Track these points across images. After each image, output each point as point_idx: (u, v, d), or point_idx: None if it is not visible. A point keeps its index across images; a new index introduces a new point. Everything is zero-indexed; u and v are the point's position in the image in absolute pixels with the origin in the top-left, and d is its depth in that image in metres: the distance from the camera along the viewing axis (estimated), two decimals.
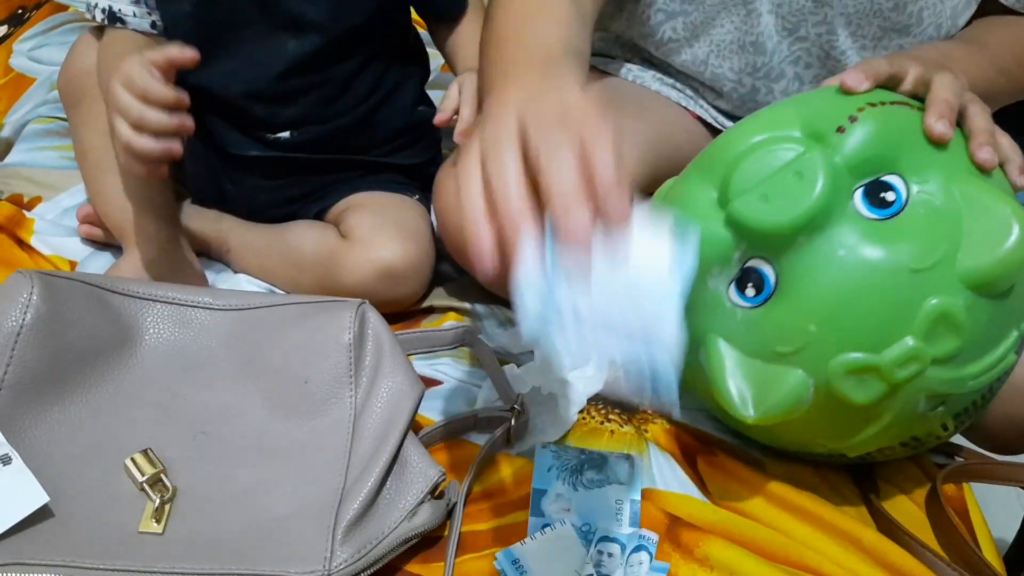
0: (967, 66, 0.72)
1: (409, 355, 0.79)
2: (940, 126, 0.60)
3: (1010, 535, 0.96)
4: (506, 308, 0.86)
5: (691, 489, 0.69)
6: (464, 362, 0.81)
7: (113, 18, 0.82)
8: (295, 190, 0.89)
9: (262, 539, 0.59)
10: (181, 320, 0.70)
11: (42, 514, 0.57)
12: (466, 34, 0.89)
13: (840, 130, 0.59)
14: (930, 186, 0.59)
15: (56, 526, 0.57)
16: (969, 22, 0.82)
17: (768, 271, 0.60)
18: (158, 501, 0.59)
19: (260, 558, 0.57)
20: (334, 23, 0.81)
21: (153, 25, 0.82)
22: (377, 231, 0.82)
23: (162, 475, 0.61)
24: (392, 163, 0.90)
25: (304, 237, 0.86)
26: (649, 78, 0.90)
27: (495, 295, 0.86)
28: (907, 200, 0.59)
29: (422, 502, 0.61)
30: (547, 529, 0.64)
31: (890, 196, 0.59)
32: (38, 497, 0.56)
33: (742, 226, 0.60)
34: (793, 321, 0.59)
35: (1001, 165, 0.64)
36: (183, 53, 0.70)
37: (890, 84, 0.65)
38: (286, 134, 0.85)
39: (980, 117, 0.63)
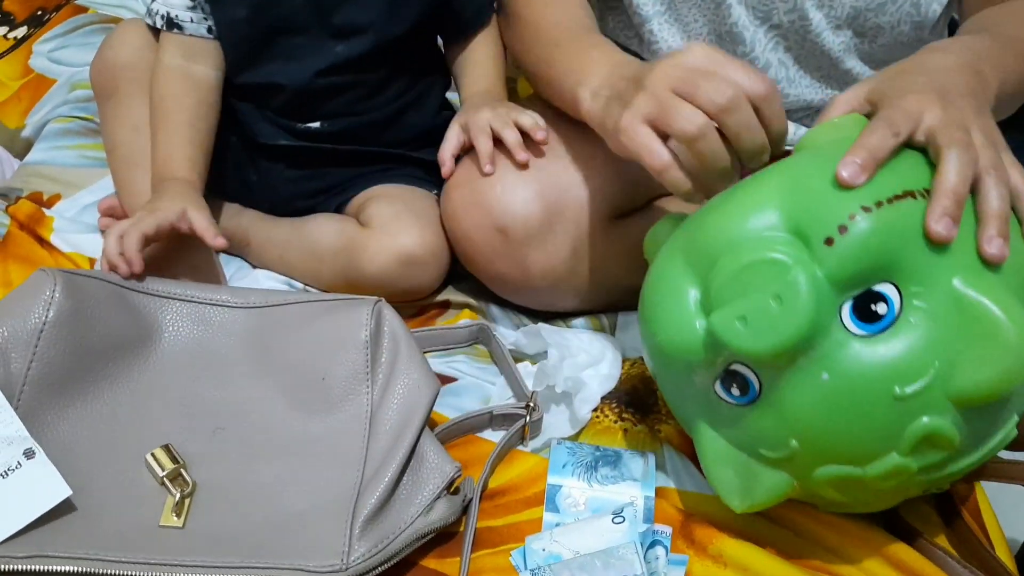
0: (1001, 62, 0.67)
1: (424, 352, 0.80)
2: (941, 228, 0.54)
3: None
4: (519, 311, 0.87)
5: (705, 488, 0.69)
6: (479, 360, 0.82)
7: (171, 24, 0.84)
8: (319, 182, 0.90)
9: (281, 533, 0.60)
10: (200, 318, 0.71)
11: (64, 507, 0.58)
12: (478, 53, 0.90)
13: (829, 242, 0.54)
14: (927, 293, 0.54)
15: (78, 519, 0.58)
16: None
17: (752, 377, 0.58)
18: (178, 496, 0.60)
19: (279, 552, 0.58)
20: (382, 32, 0.83)
21: (209, 30, 0.84)
22: (396, 219, 0.83)
23: (182, 470, 0.62)
24: (415, 157, 0.91)
25: (324, 228, 0.87)
26: None
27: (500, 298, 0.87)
28: (900, 311, 0.54)
29: (438, 497, 0.62)
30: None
31: (882, 308, 0.55)
32: (61, 491, 0.57)
33: (726, 346, 0.56)
34: (776, 432, 0.57)
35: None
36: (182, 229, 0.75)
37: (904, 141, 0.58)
38: (316, 124, 0.87)
39: (994, 195, 0.56)
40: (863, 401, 0.54)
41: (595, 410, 0.76)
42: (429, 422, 0.68)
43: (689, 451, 0.72)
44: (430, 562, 0.63)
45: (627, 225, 0.82)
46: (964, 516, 0.67)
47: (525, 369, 0.79)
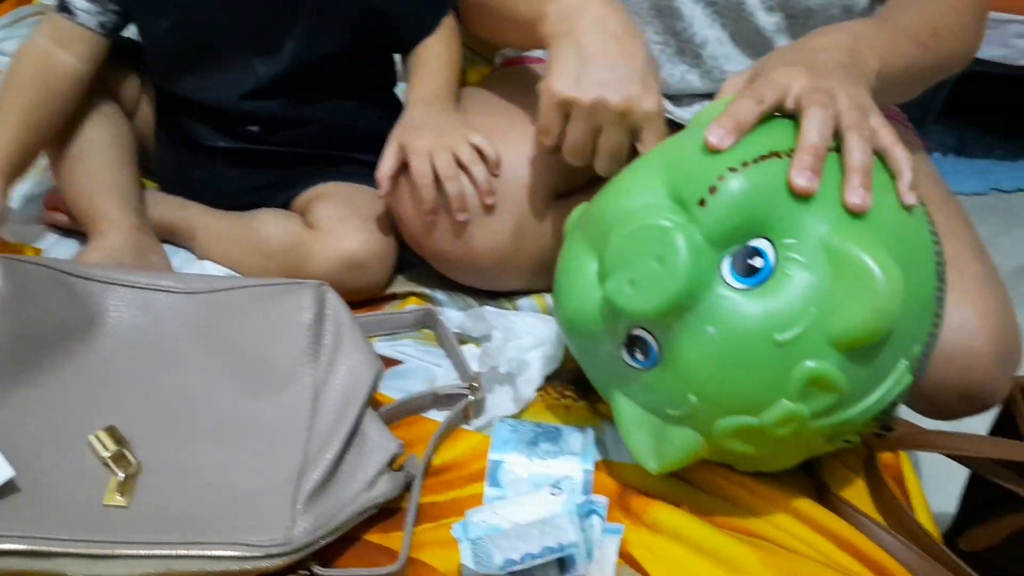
0: (882, 43, 0.71)
1: (370, 337, 0.81)
2: (802, 180, 0.58)
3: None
4: (464, 294, 0.88)
5: None
6: (425, 343, 0.83)
7: (63, 7, 0.83)
8: (262, 178, 0.91)
9: (225, 511, 0.61)
10: (144, 303, 0.71)
11: (8, 488, 0.58)
12: (427, 54, 0.88)
13: (701, 203, 0.58)
14: (799, 245, 0.58)
15: (22, 500, 0.59)
16: None
17: (651, 341, 0.61)
18: (122, 476, 0.61)
19: (224, 529, 0.59)
20: (301, 54, 0.84)
21: (101, 26, 0.83)
22: (342, 222, 0.84)
23: (125, 451, 0.63)
24: (358, 158, 0.92)
25: (271, 226, 0.87)
26: None
27: (454, 282, 0.88)
28: (776, 264, 0.58)
29: (381, 474, 0.64)
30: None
31: (758, 262, 0.58)
32: (3, 471, 0.58)
33: (616, 310, 0.60)
34: (676, 390, 0.60)
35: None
36: None
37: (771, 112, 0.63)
38: (255, 128, 0.87)
39: (857, 151, 0.60)
40: (747, 350, 0.57)
41: (538, 389, 0.78)
42: (373, 403, 0.70)
43: None
44: (374, 536, 0.64)
45: (569, 204, 0.83)
46: (888, 482, 0.70)
47: (470, 351, 0.81)
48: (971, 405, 0.79)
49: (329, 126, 0.89)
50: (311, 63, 0.85)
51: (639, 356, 0.62)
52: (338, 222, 0.84)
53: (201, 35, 0.83)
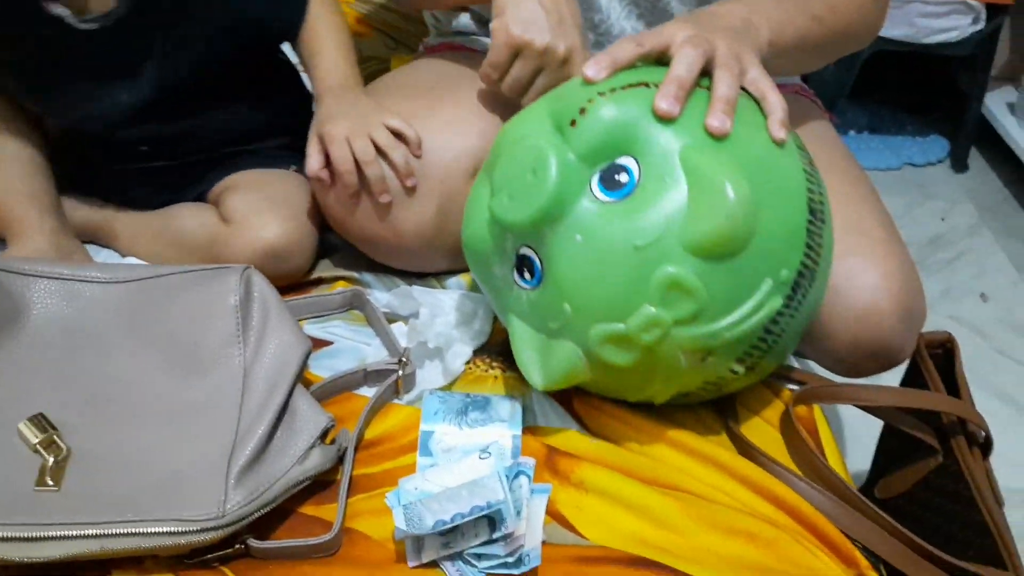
0: (775, 15, 0.76)
1: (300, 320, 0.82)
2: (663, 104, 0.63)
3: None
4: (392, 275, 0.90)
5: (570, 423, 0.74)
6: (354, 323, 0.85)
7: None
8: (168, 184, 0.91)
9: (159, 491, 0.62)
10: (69, 294, 0.71)
11: None
12: (319, 44, 0.87)
13: (573, 123, 0.64)
14: (661, 163, 0.63)
15: None
16: None
17: (535, 258, 0.66)
18: (52, 461, 0.61)
19: (157, 508, 0.60)
20: (168, 75, 0.82)
21: None
22: (256, 212, 0.84)
23: (56, 437, 0.63)
24: (264, 145, 0.92)
25: (188, 222, 0.87)
26: None
27: (381, 264, 0.89)
28: (639, 180, 0.63)
29: (312, 447, 0.65)
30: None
31: (623, 178, 0.63)
32: None
33: (499, 222, 0.66)
34: (555, 301, 0.65)
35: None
36: None
37: (650, 59, 0.68)
38: (144, 147, 0.87)
39: (723, 84, 0.65)
40: (610, 255, 0.62)
41: (467, 362, 0.80)
42: (305, 382, 0.71)
43: (554, 393, 0.77)
44: (308, 509, 0.66)
45: None
46: (802, 433, 0.73)
47: (399, 329, 0.82)
48: (880, 363, 0.83)
49: (223, 130, 0.89)
50: (178, 83, 0.83)
51: (527, 276, 0.67)
52: (252, 213, 0.84)
53: (56, 58, 0.80)
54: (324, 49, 0.87)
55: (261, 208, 0.84)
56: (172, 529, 0.59)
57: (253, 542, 0.62)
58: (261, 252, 0.82)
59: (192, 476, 0.62)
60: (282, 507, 0.64)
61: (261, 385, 0.67)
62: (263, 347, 0.69)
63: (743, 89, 0.69)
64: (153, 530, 0.58)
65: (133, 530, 0.58)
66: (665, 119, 0.63)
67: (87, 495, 0.61)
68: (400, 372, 0.75)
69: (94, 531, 0.58)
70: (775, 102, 0.67)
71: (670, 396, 0.70)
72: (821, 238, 0.68)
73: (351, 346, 0.82)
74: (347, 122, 0.81)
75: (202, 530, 0.59)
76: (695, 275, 0.61)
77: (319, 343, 0.81)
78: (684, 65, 0.65)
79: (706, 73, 0.67)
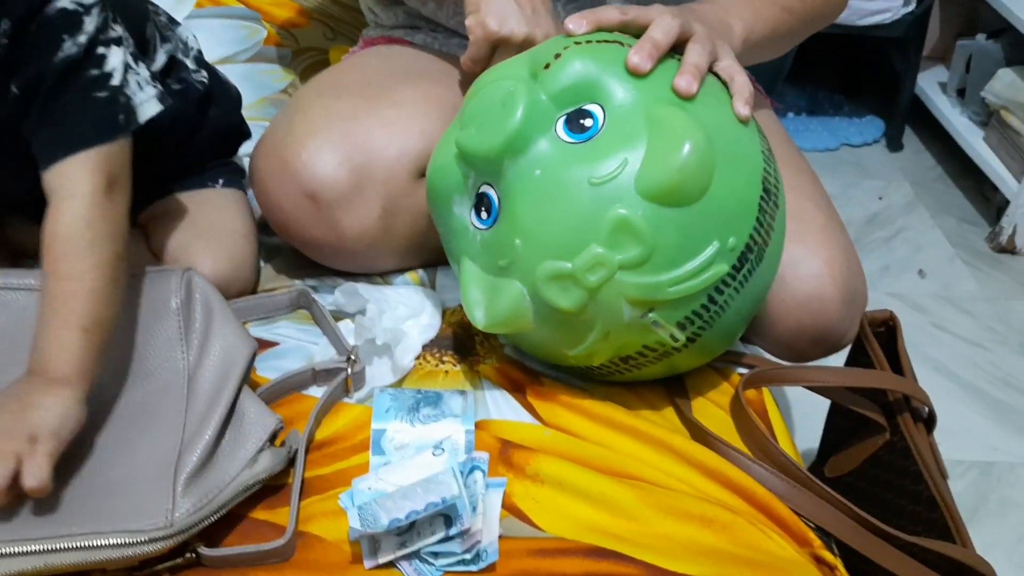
0: (747, 14, 0.78)
1: (245, 322, 0.80)
2: (635, 58, 0.66)
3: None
4: (336, 277, 0.88)
5: (523, 415, 0.74)
6: (301, 323, 0.83)
7: None
8: None
9: (104, 500, 0.60)
10: (1, 304, 0.69)
11: None
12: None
13: (546, 67, 0.66)
14: (625, 112, 0.65)
15: None
16: None
17: (494, 195, 0.68)
18: None
19: (102, 518, 0.58)
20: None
21: None
22: (185, 252, 0.80)
23: None
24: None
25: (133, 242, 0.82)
26: (454, 45, 0.93)
27: (321, 266, 0.87)
28: (603, 126, 0.65)
29: (261, 450, 0.64)
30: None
31: (588, 122, 0.65)
32: None
33: (463, 153, 0.68)
34: (507, 237, 0.66)
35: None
36: None
37: (632, 31, 0.70)
38: (31, 208, 0.74)
39: (695, 52, 0.68)
40: (565, 190, 0.64)
41: (417, 358, 0.79)
42: (251, 384, 0.70)
43: (507, 385, 0.77)
44: (260, 514, 0.64)
45: None
46: (752, 416, 0.74)
47: (347, 327, 0.81)
48: (825, 348, 0.84)
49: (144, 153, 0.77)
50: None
51: (483, 215, 0.69)
52: (182, 253, 0.79)
53: None
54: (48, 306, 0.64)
55: (191, 246, 0.80)
56: (119, 541, 0.57)
57: (204, 550, 0.60)
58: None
59: (138, 485, 0.61)
60: (233, 513, 0.63)
61: (206, 388, 0.65)
62: (207, 349, 0.67)
63: (714, 73, 0.71)
64: (99, 543, 0.57)
65: (77, 544, 0.56)
66: (635, 73, 0.66)
67: (26, 509, 0.59)
68: (349, 370, 0.74)
69: (36, 547, 0.56)
70: (743, 84, 0.70)
71: (609, 358, 0.70)
72: (773, 219, 0.70)
73: (298, 346, 0.80)
74: None
75: (151, 540, 0.57)
76: (644, 220, 0.63)
77: (265, 344, 0.79)
78: (660, 29, 0.68)
79: (680, 50, 0.69)
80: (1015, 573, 1.19)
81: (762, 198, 0.68)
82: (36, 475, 0.56)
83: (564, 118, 0.66)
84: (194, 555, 0.60)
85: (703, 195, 0.64)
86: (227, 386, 0.65)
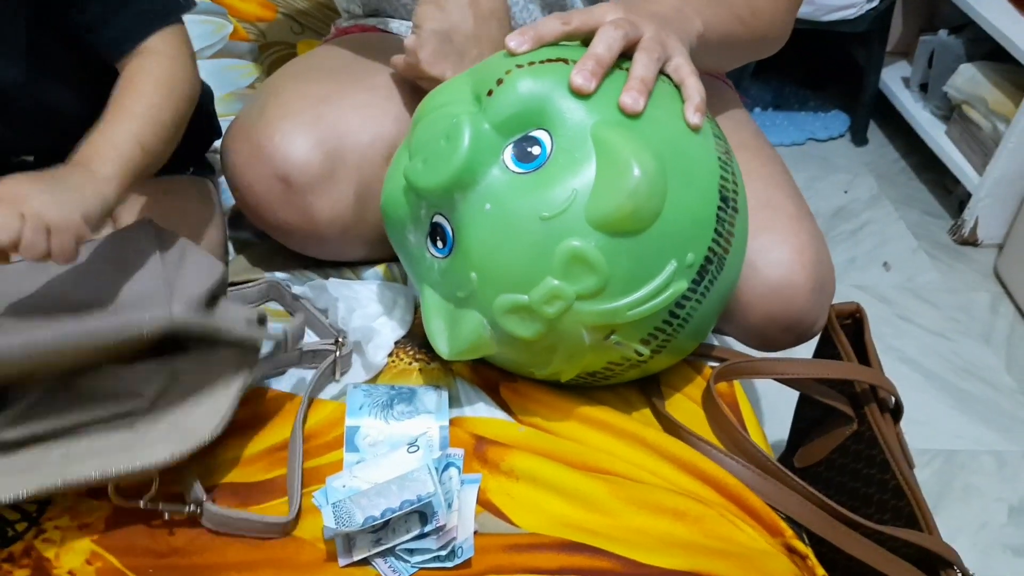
0: (706, 10, 0.77)
1: None
2: (579, 79, 0.63)
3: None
4: (307, 270, 0.87)
5: (497, 412, 0.74)
6: (274, 319, 0.82)
7: None
8: None
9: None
10: None
11: None
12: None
13: (489, 93, 0.64)
14: (573, 138, 0.63)
15: None
16: None
17: (447, 225, 0.66)
18: None
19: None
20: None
21: None
22: None
23: None
24: None
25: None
26: None
27: (294, 254, 0.87)
28: (551, 153, 0.63)
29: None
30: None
31: (536, 150, 0.64)
32: None
33: (412, 187, 0.66)
34: (463, 269, 0.65)
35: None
36: None
37: (575, 39, 0.68)
38: (30, 158, 0.79)
39: (640, 65, 0.65)
40: (517, 225, 0.63)
41: (390, 355, 0.79)
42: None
43: (479, 382, 0.77)
44: (255, 509, 0.65)
45: None
46: (723, 408, 0.75)
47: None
48: (795, 335, 0.85)
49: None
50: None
51: (439, 244, 0.68)
52: None
53: None
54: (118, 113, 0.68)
55: None
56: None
57: (209, 506, 0.62)
58: None
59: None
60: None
61: (188, 285, 0.64)
62: (184, 265, 0.66)
63: (667, 76, 0.69)
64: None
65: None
66: (580, 95, 0.64)
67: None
68: (338, 352, 0.74)
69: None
70: (693, 87, 0.68)
71: (575, 375, 0.71)
72: (733, 226, 0.69)
73: (269, 346, 0.79)
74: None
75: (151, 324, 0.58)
76: (598, 250, 0.62)
77: None
78: (604, 43, 0.65)
79: (629, 56, 0.67)
80: (978, 557, 1.22)
81: (720, 208, 0.67)
82: (66, 252, 0.58)
83: (512, 146, 0.64)
84: (198, 509, 0.62)
85: (657, 218, 0.63)
86: (206, 283, 0.64)
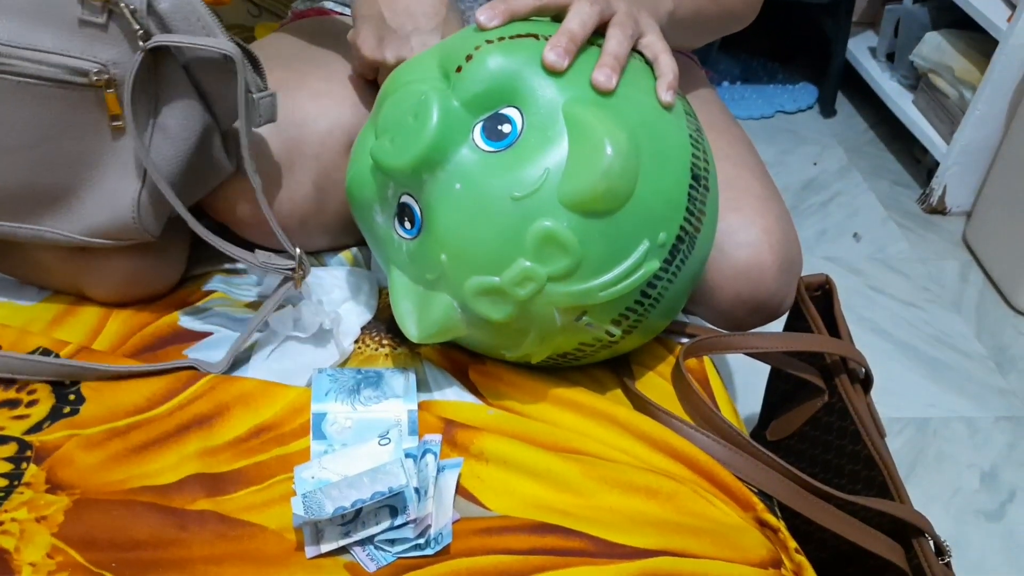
0: None
1: (177, 312, 0.78)
2: (551, 56, 0.62)
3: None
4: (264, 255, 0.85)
5: (466, 396, 0.73)
6: (233, 311, 0.81)
7: None
8: None
9: None
10: None
11: None
12: None
13: (458, 70, 0.62)
14: (544, 115, 0.62)
15: None
16: None
17: (415, 205, 0.65)
18: None
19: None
20: None
21: None
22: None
23: None
24: None
25: (44, 253, 0.77)
26: None
27: (250, 243, 0.85)
28: (522, 131, 0.62)
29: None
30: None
31: (506, 128, 0.62)
32: None
33: (379, 167, 0.64)
34: (432, 251, 0.64)
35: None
36: None
37: (547, 14, 0.67)
38: None
39: (614, 41, 0.64)
40: (488, 206, 0.61)
41: (356, 341, 0.77)
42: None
43: (448, 365, 0.76)
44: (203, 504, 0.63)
45: None
46: (692, 384, 0.74)
47: (277, 316, 0.78)
48: (763, 315, 0.85)
49: None
50: None
51: (407, 225, 0.66)
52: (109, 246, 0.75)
53: None
54: None
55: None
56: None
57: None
58: (121, 287, 0.77)
59: None
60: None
61: None
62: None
63: (639, 53, 0.68)
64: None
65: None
66: (552, 71, 0.62)
67: None
68: (298, 271, 0.73)
69: None
70: (666, 65, 0.67)
71: (546, 356, 0.70)
72: (704, 205, 0.68)
73: (231, 337, 0.78)
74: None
75: None
76: (570, 230, 0.60)
77: (198, 335, 0.77)
78: (577, 19, 0.64)
79: (602, 33, 0.66)
80: (951, 523, 1.23)
81: (691, 186, 0.66)
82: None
83: (481, 125, 0.62)
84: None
85: (629, 198, 0.61)
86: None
